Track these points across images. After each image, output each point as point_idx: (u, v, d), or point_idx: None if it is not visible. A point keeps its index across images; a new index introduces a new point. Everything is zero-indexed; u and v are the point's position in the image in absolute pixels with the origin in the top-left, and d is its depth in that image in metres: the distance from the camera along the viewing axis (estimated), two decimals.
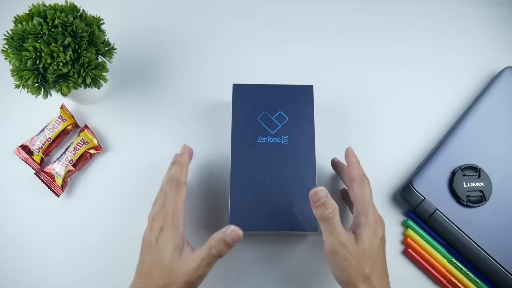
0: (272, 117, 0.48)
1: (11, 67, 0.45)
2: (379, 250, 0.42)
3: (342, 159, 0.55)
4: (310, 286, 0.50)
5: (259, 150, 0.47)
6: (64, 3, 0.47)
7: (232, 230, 0.39)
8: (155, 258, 0.40)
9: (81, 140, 0.53)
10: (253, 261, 0.51)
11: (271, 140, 0.48)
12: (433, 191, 0.51)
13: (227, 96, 0.51)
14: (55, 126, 0.53)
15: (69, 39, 0.44)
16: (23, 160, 0.53)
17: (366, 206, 0.43)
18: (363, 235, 0.41)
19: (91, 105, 0.56)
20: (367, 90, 0.58)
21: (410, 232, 0.51)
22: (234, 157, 0.47)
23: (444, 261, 0.50)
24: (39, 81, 0.45)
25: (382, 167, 0.55)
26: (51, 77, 0.45)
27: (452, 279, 0.50)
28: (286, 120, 0.48)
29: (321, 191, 0.40)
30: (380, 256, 0.42)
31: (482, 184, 0.51)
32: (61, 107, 0.55)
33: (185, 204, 0.43)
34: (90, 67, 0.46)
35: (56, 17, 0.44)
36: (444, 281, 0.50)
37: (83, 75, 0.46)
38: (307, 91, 0.49)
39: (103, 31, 0.49)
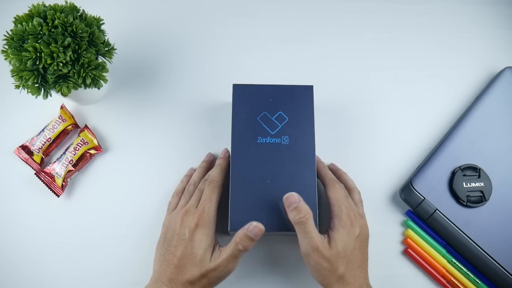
0: (272, 117, 0.48)
1: (11, 67, 0.45)
2: (354, 250, 0.43)
3: (342, 159, 0.55)
4: (309, 286, 0.50)
5: (259, 150, 0.47)
6: (64, 4, 0.47)
7: (254, 226, 0.43)
8: (188, 253, 0.43)
9: (81, 140, 0.53)
10: (253, 262, 0.51)
11: (271, 140, 0.47)
12: (433, 191, 0.51)
13: (227, 96, 0.51)
14: (55, 126, 0.53)
15: (69, 39, 0.44)
16: (23, 160, 0.53)
17: (339, 209, 0.45)
18: (336, 237, 0.43)
19: (91, 105, 0.56)
20: (367, 90, 0.58)
21: (410, 232, 0.51)
22: (234, 157, 0.47)
23: (444, 261, 0.50)
24: (39, 82, 0.45)
25: (382, 167, 0.55)
26: (51, 78, 0.45)
27: (452, 279, 0.50)
28: (286, 120, 0.48)
29: (292, 196, 0.43)
30: (355, 255, 0.43)
31: (482, 184, 0.51)
32: (61, 107, 0.55)
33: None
34: (90, 68, 0.46)
35: (56, 18, 0.44)
36: (444, 281, 0.50)
37: (83, 75, 0.46)
38: (307, 91, 0.49)
39: (103, 32, 0.49)
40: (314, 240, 0.42)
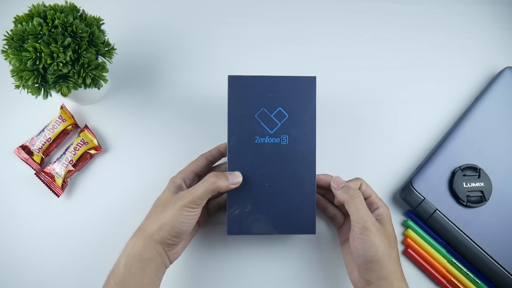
0: (271, 114, 0.46)
1: (11, 67, 0.45)
2: (396, 240, 0.44)
3: (342, 160, 0.55)
4: (308, 285, 0.50)
5: (257, 151, 0.45)
6: (64, 4, 0.47)
7: (236, 176, 0.44)
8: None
9: (81, 140, 0.53)
10: (252, 262, 0.51)
11: (269, 140, 0.45)
12: (433, 191, 0.51)
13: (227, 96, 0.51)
14: (55, 126, 0.53)
15: (69, 39, 0.44)
16: (23, 160, 0.53)
17: (382, 201, 0.46)
18: (386, 221, 0.44)
19: (91, 105, 0.56)
20: (367, 90, 0.58)
21: (410, 232, 0.51)
22: (230, 159, 0.45)
23: (444, 261, 0.50)
24: (39, 82, 0.45)
25: (382, 167, 0.55)
26: (51, 78, 0.45)
27: (452, 279, 0.50)
28: (286, 118, 0.46)
29: (338, 178, 0.46)
30: (397, 248, 0.44)
31: (482, 184, 0.51)
32: (61, 107, 0.55)
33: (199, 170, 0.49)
34: (90, 68, 0.46)
35: (56, 18, 0.44)
36: (444, 281, 0.50)
37: (83, 75, 0.46)
38: (309, 83, 0.46)
39: (103, 32, 0.49)
40: (370, 214, 0.42)
